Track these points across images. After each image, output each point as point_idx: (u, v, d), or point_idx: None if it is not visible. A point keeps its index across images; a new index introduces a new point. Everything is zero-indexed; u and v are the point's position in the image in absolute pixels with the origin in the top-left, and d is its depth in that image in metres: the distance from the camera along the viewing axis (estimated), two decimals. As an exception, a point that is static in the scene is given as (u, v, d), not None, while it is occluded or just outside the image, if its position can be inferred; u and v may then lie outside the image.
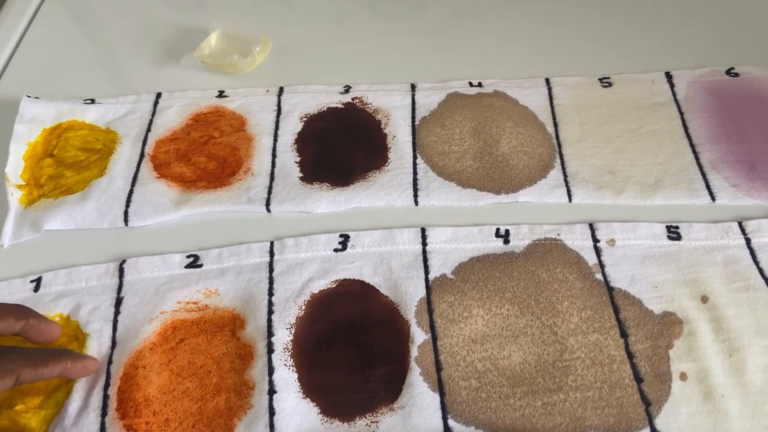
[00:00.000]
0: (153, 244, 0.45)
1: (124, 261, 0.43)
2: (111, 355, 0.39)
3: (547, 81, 0.54)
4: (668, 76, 0.53)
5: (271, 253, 0.44)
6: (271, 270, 0.43)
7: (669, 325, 0.40)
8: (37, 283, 0.43)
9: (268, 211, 0.46)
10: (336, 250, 0.44)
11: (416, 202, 0.47)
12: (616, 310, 0.41)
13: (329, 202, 0.46)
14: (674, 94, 0.52)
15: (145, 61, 0.57)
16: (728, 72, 0.53)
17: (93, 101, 0.53)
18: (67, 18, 0.63)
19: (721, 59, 0.54)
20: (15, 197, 0.46)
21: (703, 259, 0.43)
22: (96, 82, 0.55)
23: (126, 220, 0.45)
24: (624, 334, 0.40)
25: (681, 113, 0.51)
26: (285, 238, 0.44)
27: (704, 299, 0.41)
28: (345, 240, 0.44)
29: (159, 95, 0.53)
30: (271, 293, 0.42)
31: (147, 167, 0.48)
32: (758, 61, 0.54)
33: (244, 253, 0.44)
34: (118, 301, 0.42)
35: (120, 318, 0.41)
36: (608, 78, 0.54)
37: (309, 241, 0.44)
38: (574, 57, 0.56)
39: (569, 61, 0.55)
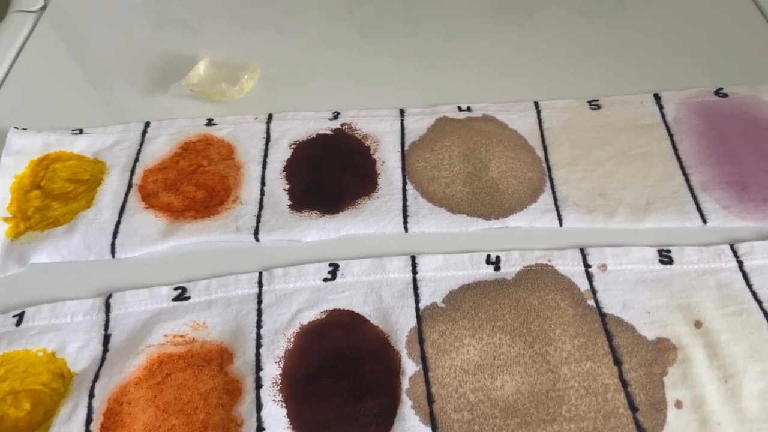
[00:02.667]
0: (140, 276, 0.44)
1: (110, 295, 0.43)
2: (93, 388, 0.38)
3: (536, 104, 0.54)
4: (657, 98, 0.53)
5: (260, 284, 0.43)
6: (259, 301, 0.42)
7: (663, 351, 0.39)
8: (20, 317, 0.42)
9: (257, 240, 0.46)
10: (325, 280, 0.43)
11: (406, 229, 0.46)
12: (609, 337, 0.40)
13: (318, 230, 0.46)
14: (663, 115, 0.52)
15: (134, 90, 0.57)
16: (717, 92, 0.53)
17: (81, 131, 0.52)
18: (57, 48, 0.63)
19: (710, 80, 0.54)
20: (1, 230, 0.46)
21: (696, 283, 0.42)
22: (85, 112, 0.55)
23: (113, 252, 0.45)
24: (618, 362, 0.39)
25: (670, 135, 0.51)
26: (274, 268, 0.44)
27: (698, 324, 0.40)
28: (334, 269, 0.44)
29: (147, 124, 0.53)
30: (259, 325, 0.41)
31: (135, 197, 0.48)
32: (746, 81, 0.54)
33: (232, 284, 0.43)
34: (107, 338, 0.41)
35: (107, 356, 0.40)
36: (597, 100, 0.54)
37: (298, 270, 0.44)
38: (562, 80, 0.56)
39: (558, 83, 0.56)
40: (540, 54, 0.59)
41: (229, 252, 0.46)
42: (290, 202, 0.48)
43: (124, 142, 0.52)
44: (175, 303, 0.42)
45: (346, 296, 0.42)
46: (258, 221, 0.47)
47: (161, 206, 0.47)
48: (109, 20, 0.65)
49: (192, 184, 0.49)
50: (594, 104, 0.54)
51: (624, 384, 0.38)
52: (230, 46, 0.61)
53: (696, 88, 0.54)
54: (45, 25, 0.65)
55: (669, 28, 0.61)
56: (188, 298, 0.43)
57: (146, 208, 0.47)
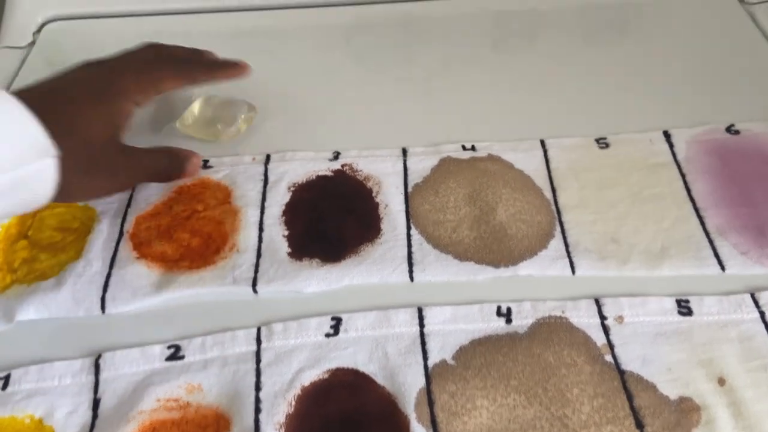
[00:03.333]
0: (131, 332, 0.42)
1: (99, 356, 0.40)
2: None
3: (543, 143, 0.52)
4: (666, 135, 0.52)
5: (258, 341, 0.41)
6: (258, 360, 0.40)
7: (686, 412, 0.37)
8: (6, 380, 0.39)
9: (255, 291, 0.44)
10: (328, 335, 0.41)
11: (411, 278, 0.44)
12: (630, 397, 0.38)
13: (320, 280, 0.44)
14: (674, 154, 0.51)
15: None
16: (728, 129, 0.52)
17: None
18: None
19: (721, 116, 0.53)
20: (-14, 283, 0.44)
21: (717, 335, 0.40)
22: None
23: (103, 308, 0.43)
24: (640, 425, 0.37)
25: (682, 174, 0.49)
26: (273, 322, 0.42)
27: (721, 381, 0.38)
28: (337, 323, 0.41)
29: (140, 167, 0.51)
30: (258, 387, 0.39)
31: (126, 247, 0.46)
32: (759, 117, 0.52)
33: (228, 341, 0.41)
34: (96, 403, 0.38)
35: (97, 422, 0.38)
36: (605, 138, 0.52)
37: (299, 325, 0.41)
38: (568, 116, 0.54)
39: (564, 120, 0.54)
40: (543, 88, 0.57)
41: (226, 304, 0.43)
42: (290, 250, 0.46)
43: (116, 187, 0.50)
44: (169, 363, 0.40)
45: (350, 353, 0.40)
46: (256, 271, 0.44)
47: (154, 256, 0.45)
48: (99, 55, 0.63)
49: (187, 231, 0.47)
50: (602, 142, 0.52)
51: None
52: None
53: (707, 124, 0.52)
54: (34, 61, 0.63)
55: (677, 63, 0.59)
56: (182, 357, 0.40)
57: (138, 258, 0.45)
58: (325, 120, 0.56)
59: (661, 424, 0.37)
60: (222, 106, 0.54)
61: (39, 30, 0.66)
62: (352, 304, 0.43)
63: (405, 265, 0.45)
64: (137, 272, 0.44)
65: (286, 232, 0.47)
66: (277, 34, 0.66)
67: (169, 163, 0.47)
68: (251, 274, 0.44)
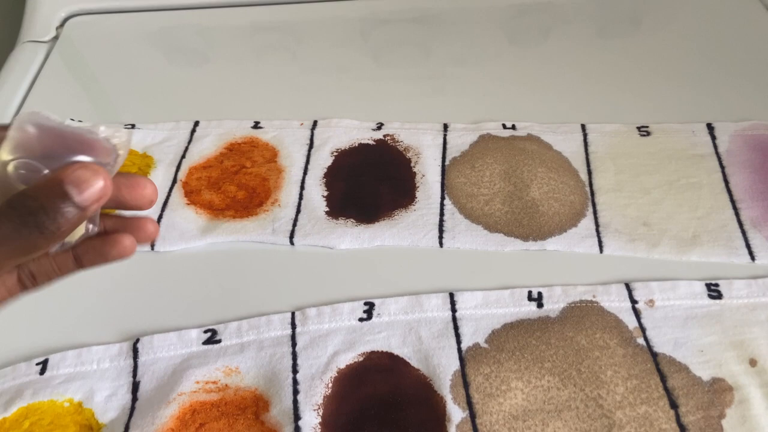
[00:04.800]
0: (167, 317, 0.42)
1: (137, 340, 0.40)
2: None
3: (583, 127, 0.53)
4: (710, 128, 0.52)
5: (293, 325, 0.41)
6: (293, 344, 0.40)
7: (719, 392, 0.37)
8: (44, 365, 0.39)
9: (292, 243, 0.46)
10: (361, 320, 0.41)
11: (441, 244, 0.46)
12: (663, 378, 0.38)
13: (353, 239, 0.46)
14: (716, 146, 0.51)
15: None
16: (773, 126, 0.51)
17: (133, 126, 0.54)
18: (71, 78, 0.62)
19: (764, 112, 0.52)
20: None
21: (748, 318, 0.40)
22: (135, 109, 0.56)
23: (152, 245, 0.46)
24: (674, 405, 0.37)
25: (722, 167, 0.49)
26: (307, 307, 0.42)
27: (753, 362, 0.39)
28: (370, 308, 0.42)
29: (197, 123, 0.54)
30: (295, 370, 0.39)
31: (178, 193, 0.49)
32: (806, 117, 0.52)
33: (264, 325, 0.41)
34: (135, 386, 0.39)
35: (137, 404, 0.38)
36: (647, 127, 0.52)
37: (332, 310, 0.42)
38: (611, 104, 0.55)
39: (606, 107, 0.55)
40: (589, 77, 0.58)
41: (262, 255, 0.45)
42: (327, 209, 0.48)
43: (173, 139, 0.53)
44: (206, 347, 0.40)
45: (384, 337, 0.40)
46: (294, 225, 0.47)
47: (202, 203, 0.48)
48: (122, 49, 0.65)
49: (234, 184, 0.50)
50: (643, 130, 0.52)
51: (682, 428, 0.36)
52: (243, 73, 0.61)
53: (751, 120, 0.52)
54: (57, 54, 0.64)
55: (724, 58, 0.59)
56: (219, 341, 0.40)
57: (188, 204, 0.48)
58: (369, 94, 0.58)
59: (694, 404, 0.37)
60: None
61: (62, 24, 0.68)
62: (380, 268, 0.44)
63: (436, 232, 0.46)
64: (186, 216, 0.47)
65: (326, 193, 0.49)
66: (293, 28, 0.66)
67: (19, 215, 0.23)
68: (290, 227, 0.47)
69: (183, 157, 0.52)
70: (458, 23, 0.66)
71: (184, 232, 0.46)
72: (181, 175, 0.50)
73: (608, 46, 0.61)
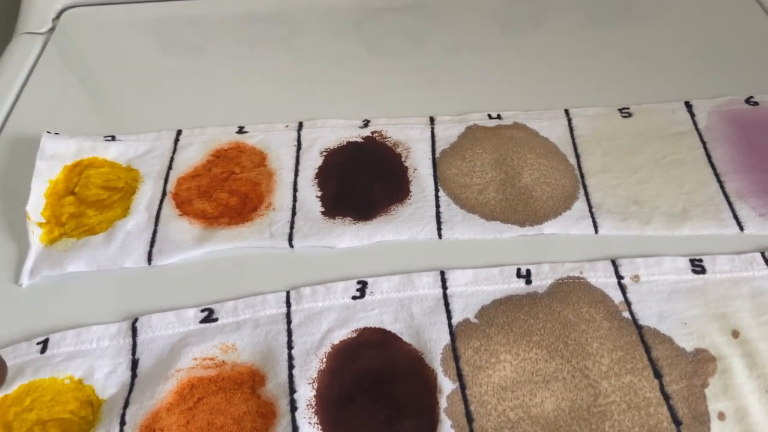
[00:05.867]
0: (165, 297, 0.43)
1: (136, 319, 0.42)
2: (123, 415, 0.37)
3: (567, 112, 0.54)
4: (688, 106, 0.53)
5: (288, 304, 0.42)
6: (288, 321, 0.41)
7: (702, 362, 0.39)
8: (44, 344, 0.40)
9: (291, 246, 0.46)
10: (354, 298, 0.42)
11: (440, 236, 0.46)
12: (648, 350, 0.40)
13: (352, 237, 0.46)
14: (695, 123, 0.52)
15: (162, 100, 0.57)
16: (747, 101, 0.53)
17: (113, 138, 0.53)
18: (68, 69, 0.63)
19: (741, 88, 0.54)
20: (36, 236, 0.46)
21: (730, 292, 0.42)
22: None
23: (150, 260, 0.45)
24: (658, 375, 0.39)
25: (703, 142, 0.51)
26: (302, 286, 0.43)
27: (735, 334, 0.40)
28: (363, 286, 0.43)
29: (179, 132, 0.53)
30: (290, 346, 0.40)
31: (169, 205, 0.48)
32: (775, 89, 0.54)
33: (259, 304, 0.42)
34: (135, 363, 0.40)
35: (136, 381, 0.39)
36: (628, 108, 0.54)
37: (326, 289, 0.43)
38: (592, 88, 0.56)
39: (587, 91, 0.56)
40: (569, 62, 0.59)
41: (260, 265, 0.45)
42: (323, 209, 0.48)
43: (157, 150, 0.52)
44: (203, 325, 0.42)
45: (377, 314, 0.42)
46: (291, 227, 0.47)
47: (195, 213, 0.48)
48: (116, 41, 0.65)
49: (225, 191, 0.49)
50: (625, 112, 0.54)
51: (666, 397, 0.38)
52: (240, 67, 0.61)
53: (727, 96, 0.54)
54: (53, 46, 0.64)
55: (698, 37, 0.61)
56: (216, 320, 0.42)
57: (181, 215, 0.47)
58: (353, 91, 0.57)
59: (678, 373, 0.39)
60: None
61: (58, 16, 0.68)
62: (384, 260, 0.45)
63: (434, 224, 0.47)
64: (180, 228, 0.47)
65: (319, 193, 0.49)
66: (287, 19, 0.66)
67: None
68: (287, 230, 0.46)
69: (170, 168, 0.51)
70: (450, 12, 0.65)
71: (180, 243, 0.46)
72: (171, 187, 0.49)
73: (588, 33, 0.62)
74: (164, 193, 0.49)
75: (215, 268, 0.45)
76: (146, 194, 0.49)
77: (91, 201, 0.48)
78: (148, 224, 0.47)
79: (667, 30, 0.62)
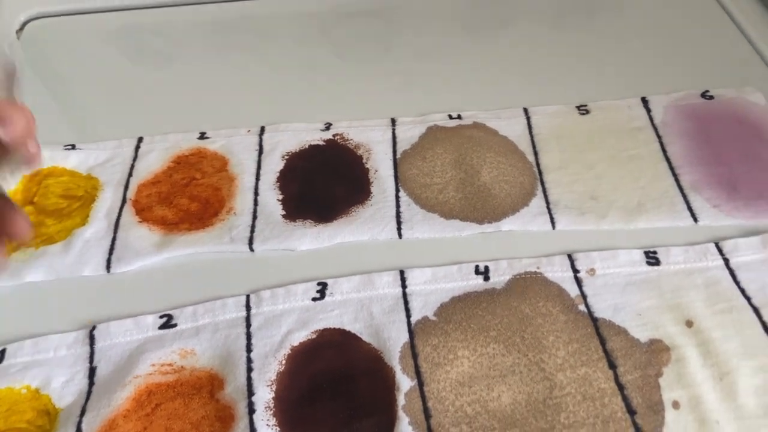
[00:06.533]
0: (124, 304, 0.43)
1: (94, 327, 0.41)
2: (80, 423, 0.37)
3: (526, 111, 0.54)
4: (644, 102, 0.54)
5: (248, 307, 0.42)
6: (248, 325, 0.41)
7: (656, 352, 0.40)
8: (1, 354, 0.40)
9: (251, 249, 0.46)
10: (314, 299, 0.43)
11: (400, 235, 0.46)
12: (603, 341, 0.40)
13: (313, 239, 0.46)
14: (651, 118, 0.53)
15: (112, 116, 0.57)
16: (703, 95, 0.54)
17: (74, 147, 0.53)
18: (31, 79, 0.62)
19: (696, 82, 0.55)
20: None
21: (684, 282, 0.43)
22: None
23: (108, 267, 0.45)
24: (612, 366, 0.39)
25: (659, 137, 0.52)
26: (261, 290, 0.43)
27: (689, 324, 0.41)
28: (323, 288, 0.43)
29: (140, 139, 0.53)
30: (249, 349, 0.40)
31: (129, 212, 0.48)
32: (731, 84, 0.55)
33: (219, 308, 0.42)
34: (92, 371, 0.40)
35: (93, 389, 0.39)
36: (585, 105, 0.54)
37: (286, 291, 0.43)
38: (551, 87, 0.57)
39: (547, 90, 0.56)
40: (527, 61, 0.60)
41: (221, 270, 0.45)
42: (284, 212, 0.48)
43: (117, 158, 0.52)
44: (162, 331, 0.41)
45: (337, 315, 0.42)
46: (252, 231, 0.47)
47: (155, 220, 0.48)
48: (82, 51, 0.64)
49: (186, 197, 0.49)
50: (582, 109, 0.54)
51: (620, 387, 0.38)
52: (206, 73, 0.60)
53: (683, 91, 0.55)
54: (18, 53, 0.63)
55: (653, 33, 0.62)
56: (175, 325, 0.41)
57: (140, 222, 0.47)
58: (316, 99, 0.58)
59: (632, 363, 0.39)
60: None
61: (22, 28, 0.67)
62: (344, 261, 0.45)
63: (394, 224, 0.47)
64: (140, 234, 0.47)
65: (281, 196, 0.49)
66: (256, 26, 0.66)
67: None
68: (248, 234, 0.46)
69: (130, 175, 0.51)
70: (416, 16, 0.66)
71: (139, 250, 0.46)
72: (131, 194, 0.49)
73: (548, 34, 0.63)
74: (124, 201, 0.49)
75: (175, 274, 0.45)
76: (106, 202, 0.49)
77: (50, 210, 0.48)
78: (107, 232, 0.47)
79: (624, 27, 0.63)
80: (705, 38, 0.61)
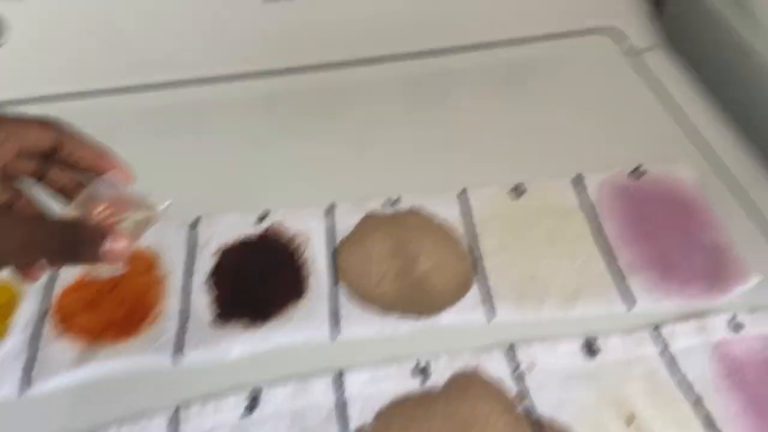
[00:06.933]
0: (39, 429, 0.41)
1: None
2: None
3: (465, 191, 0.54)
4: (580, 179, 0.54)
5: (176, 421, 0.40)
6: None
7: (599, 452, 0.38)
8: None
9: (182, 354, 0.44)
10: (247, 408, 0.41)
11: (335, 336, 0.45)
12: None
13: (243, 344, 0.44)
14: (587, 197, 0.53)
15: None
16: (634, 171, 0.55)
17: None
18: None
19: (629, 158, 0.56)
20: None
21: (623, 374, 0.42)
22: None
23: (23, 389, 0.42)
24: None
25: (594, 216, 0.52)
26: (191, 401, 0.41)
27: (630, 418, 0.40)
28: (256, 396, 0.41)
29: (66, 239, 0.51)
30: None
31: (50, 322, 0.46)
32: (662, 159, 0.55)
33: (142, 430, 0.40)
34: None
35: None
36: (522, 184, 0.54)
37: (215, 405, 0.41)
38: (486, 166, 0.57)
39: (484, 170, 0.56)
40: (464, 142, 0.60)
41: (148, 375, 0.43)
42: (216, 314, 0.46)
43: (41, 261, 0.50)
44: None
45: (269, 430, 0.40)
46: (181, 337, 0.45)
47: (79, 329, 0.45)
48: None
49: (112, 301, 0.47)
50: (520, 189, 0.54)
51: None
52: (145, 156, 0.59)
53: (615, 167, 0.55)
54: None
55: (586, 111, 0.62)
56: None
57: (62, 332, 0.45)
58: (251, 181, 0.57)
59: None
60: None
61: None
62: (274, 368, 0.43)
63: (330, 322, 0.45)
64: (59, 348, 0.44)
65: (213, 296, 0.47)
66: (195, 104, 0.66)
67: (72, 238, 0.32)
68: (175, 341, 0.44)
69: (54, 280, 0.48)
70: (360, 93, 0.66)
71: (58, 366, 0.43)
72: (53, 301, 0.47)
73: (485, 113, 0.63)
74: (46, 310, 0.46)
75: (97, 390, 0.43)
76: (26, 312, 0.46)
77: (-35, 325, 0.45)
78: (25, 346, 0.44)
79: (559, 106, 0.63)
80: (636, 113, 0.62)
